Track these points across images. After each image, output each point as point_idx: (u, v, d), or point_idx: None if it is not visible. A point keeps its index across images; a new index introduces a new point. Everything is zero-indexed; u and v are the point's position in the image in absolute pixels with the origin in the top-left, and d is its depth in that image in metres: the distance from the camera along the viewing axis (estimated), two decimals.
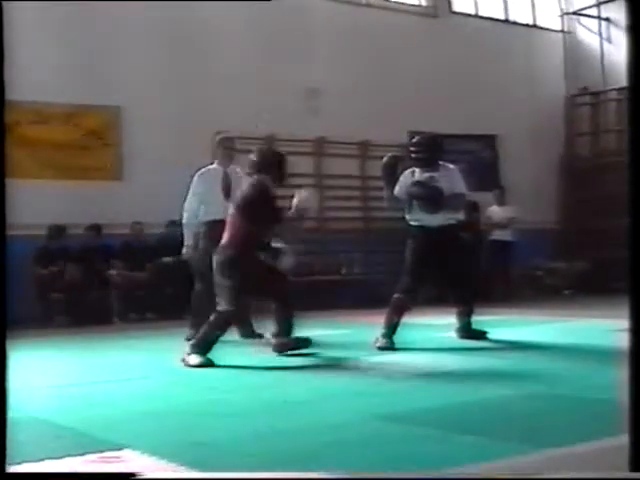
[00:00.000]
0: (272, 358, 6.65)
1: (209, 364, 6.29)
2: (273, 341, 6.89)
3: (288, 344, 6.79)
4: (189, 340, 6.98)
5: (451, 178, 7.47)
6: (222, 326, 6.54)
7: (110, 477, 2.32)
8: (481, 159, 15.71)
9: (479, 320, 7.69)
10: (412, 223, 7.54)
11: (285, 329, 6.79)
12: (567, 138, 17.20)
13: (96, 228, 11.76)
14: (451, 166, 7.60)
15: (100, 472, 2.34)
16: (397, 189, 7.58)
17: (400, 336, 7.25)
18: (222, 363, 6.32)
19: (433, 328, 8.70)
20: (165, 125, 12.52)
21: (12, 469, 2.06)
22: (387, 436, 3.77)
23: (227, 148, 8.35)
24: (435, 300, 9.94)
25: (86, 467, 3.28)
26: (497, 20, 16.65)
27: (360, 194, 14.77)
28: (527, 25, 17.09)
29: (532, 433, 3.67)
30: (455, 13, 16.07)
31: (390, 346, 7.16)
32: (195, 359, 6.33)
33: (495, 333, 7.72)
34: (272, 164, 6.81)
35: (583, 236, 15.74)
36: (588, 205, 15.94)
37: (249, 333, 8.02)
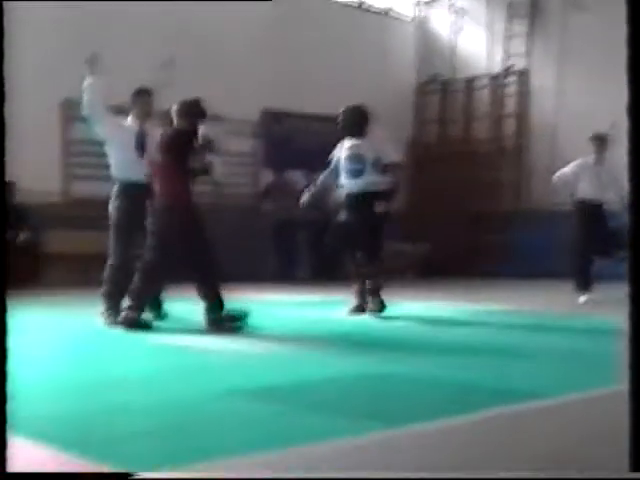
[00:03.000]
0: (122, 332, 6.50)
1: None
2: (207, 318, 6.74)
3: (223, 319, 6.68)
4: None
5: (378, 145, 7.74)
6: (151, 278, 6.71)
7: (108, 477, 2.27)
8: (328, 140, 15.82)
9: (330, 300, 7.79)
10: (341, 188, 7.89)
11: (216, 303, 6.73)
12: (415, 125, 17.54)
13: None
14: (379, 132, 7.88)
15: (97, 472, 2.28)
16: (331, 157, 7.98)
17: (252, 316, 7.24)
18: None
19: (290, 305, 8.76)
20: (47, 82, 12.08)
21: None
22: (233, 413, 3.74)
23: (142, 102, 7.48)
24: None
25: None
26: (350, 6, 16.79)
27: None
28: (380, 12, 17.30)
29: (376, 411, 3.74)
30: None
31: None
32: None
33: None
34: (189, 112, 6.94)
35: (426, 220, 16.11)
36: (433, 190, 16.31)
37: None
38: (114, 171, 7.32)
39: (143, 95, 7.46)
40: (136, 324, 6.58)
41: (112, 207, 7.23)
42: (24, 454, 2.98)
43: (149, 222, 6.79)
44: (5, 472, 2.00)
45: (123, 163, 7.25)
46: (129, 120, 7.43)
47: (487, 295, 10.91)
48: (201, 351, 5.81)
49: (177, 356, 5.59)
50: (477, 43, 16.75)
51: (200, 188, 14.17)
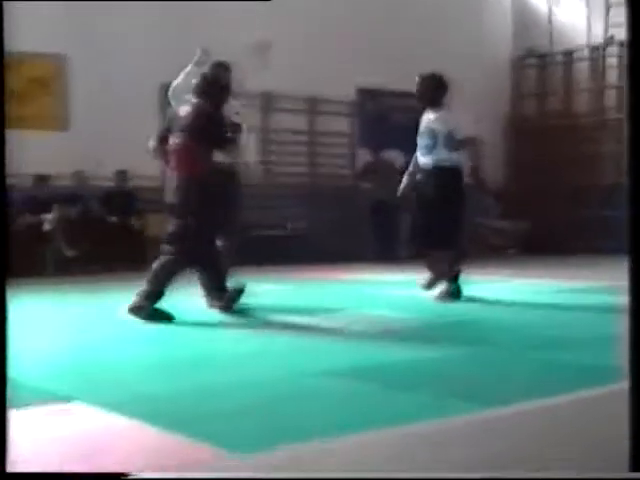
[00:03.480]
0: (217, 314, 6.56)
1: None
2: (210, 300, 6.70)
3: (229, 297, 6.64)
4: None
5: (449, 119, 7.41)
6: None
7: (108, 477, 2.32)
8: None
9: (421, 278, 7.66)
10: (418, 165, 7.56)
11: (220, 283, 6.68)
12: (513, 99, 17.28)
13: (42, 178, 11.64)
14: (452, 109, 7.53)
15: (94, 472, 2.35)
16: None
17: (343, 293, 7.25)
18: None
19: (384, 285, 8.70)
20: (111, 75, 12.34)
21: None
22: (328, 392, 3.78)
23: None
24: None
25: (32, 419, 3.26)
26: None
27: (307, 150, 14.75)
28: None
29: (475, 391, 3.72)
30: None
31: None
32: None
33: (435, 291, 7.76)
34: (212, 89, 6.72)
35: (526, 196, 15.91)
36: (532, 165, 16.09)
37: None
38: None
39: (220, 69, 7.27)
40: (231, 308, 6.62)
41: None
42: (129, 433, 3.07)
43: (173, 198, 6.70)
44: (5, 472, 2.00)
45: None
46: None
47: (589, 271, 10.70)
48: (294, 331, 5.86)
49: (268, 337, 5.65)
50: (575, 14, 16.38)
51: (294, 169, 14.38)
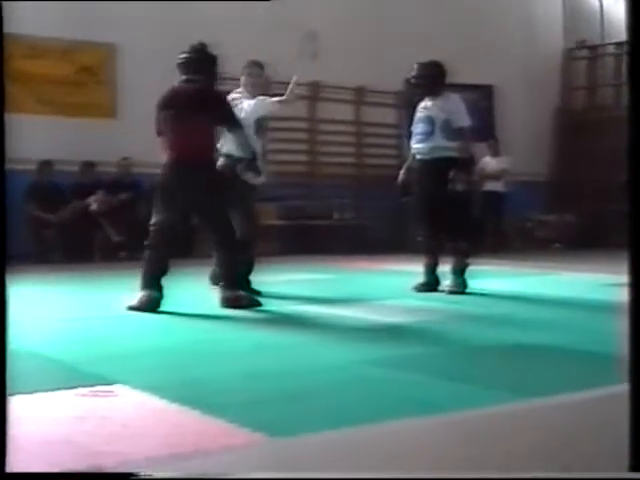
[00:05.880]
0: (266, 301, 6.51)
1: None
2: (220, 292, 6.29)
3: (237, 299, 6.22)
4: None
5: (452, 108, 7.22)
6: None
7: (109, 477, 2.35)
8: (477, 109, 15.62)
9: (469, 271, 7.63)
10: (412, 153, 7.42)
11: (233, 277, 6.30)
12: (563, 91, 17.13)
13: (90, 165, 11.79)
14: (453, 95, 7.33)
15: (99, 472, 2.39)
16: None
17: (384, 282, 7.22)
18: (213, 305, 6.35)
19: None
20: (160, 64, 12.42)
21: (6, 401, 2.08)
22: (372, 380, 3.80)
23: (254, 75, 7.09)
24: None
25: (78, 400, 3.32)
26: None
27: (354, 140, 14.75)
28: None
29: (518, 382, 3.71)
30: None
31: (425, 288, 7.27)
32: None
33: (484, 284, 7.72)
34: (206, 64, 6.36)
35: (574, 189, 15.77)
36: (581, 159, 15.94)
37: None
38: (233, 149, 6.74)
39: (254, 68, 7.12)
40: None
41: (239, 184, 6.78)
42: (172, 417, 3.12)
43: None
44: (5, 472, 2.01)
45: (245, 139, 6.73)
46: (238, 93, 7.02)
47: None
48: (330, 320, 5.87)
49: (305, 326, 5.67)
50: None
51: (341, 159, 14.38)
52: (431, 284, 7.34)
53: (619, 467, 2.13)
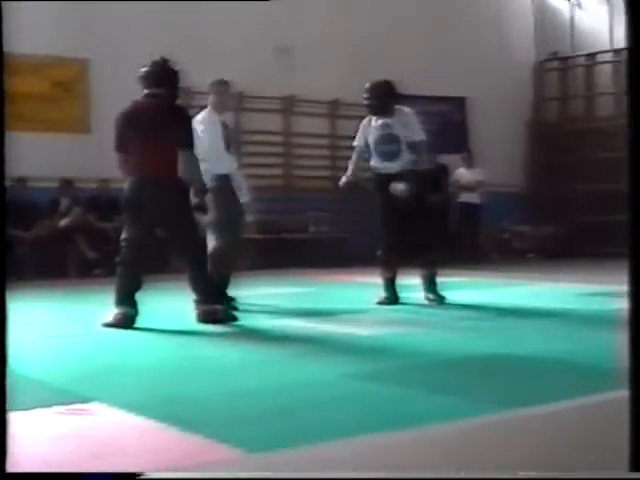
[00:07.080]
0: (243, 316, 6.51)
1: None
2: (197, 308, 6.26)
3: (213, 313, 6.21)
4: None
5: (406, 123, 7.28)
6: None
7: (114, 477, 2.34)
8: (450, 121, 15.73)
9: (443, 282, 7.66)
10: (375, 172, 7.44)
11: (209, 292, 6.31)
12: (535, 103, 17.22)
13: (67, 182, 11.78)
14: (406, 110, 7.38)
15: (98, 472, 2.37)
16: (357, 138, 7.49)
17: (362, 295, 7.24)
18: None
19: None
20: (134, 78, 12.39)
21: None
22: (356, 395, 3.80)
23: (222, 93, 7.17)
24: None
25: (55, 419, 3.30)
26: None
27: (329, 153, 14.76)
28: None
29: (500, 393, 3.72)
30: None
31: (389, 301, 7.30)
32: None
33: (460, 295, 7.75)
34: (167, 78, 6.35)
35: (548, 200, 15.85)
36: (554, 170, 16.02)
37: None
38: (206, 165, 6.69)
39: (221, 86, 7.16)
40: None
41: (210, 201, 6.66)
42: (150, 434, 3.10)
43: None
44: (5, 472, 2.01)
45: (215, 156, 6.85)
46: (207, 112, 7.07)
47: (606, 276, 10.64)
48: (314, 335, 5.87)
49: (287, 340, 5.67)
50: (597, 17, 16.32)
51: (317, 173, 14.36)
52: (392, 298, 7.41)
53: (619, 467, 2.14)
